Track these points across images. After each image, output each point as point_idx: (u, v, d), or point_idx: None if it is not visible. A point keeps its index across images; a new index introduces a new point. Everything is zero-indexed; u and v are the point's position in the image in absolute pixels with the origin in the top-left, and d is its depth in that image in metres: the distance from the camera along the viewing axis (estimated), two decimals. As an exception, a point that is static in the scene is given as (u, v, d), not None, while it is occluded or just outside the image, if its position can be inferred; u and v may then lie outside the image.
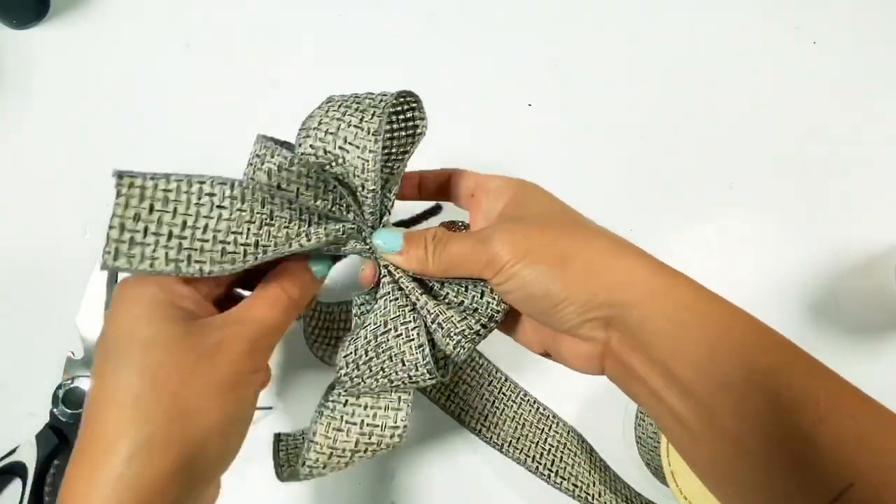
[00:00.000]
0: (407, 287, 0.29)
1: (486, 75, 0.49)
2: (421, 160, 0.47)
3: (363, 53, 0.49)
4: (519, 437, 0.39)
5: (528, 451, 0.38)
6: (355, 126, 0.28)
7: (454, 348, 0.28)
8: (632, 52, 0.51)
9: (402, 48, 0.50)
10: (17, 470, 0.39)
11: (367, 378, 0.29)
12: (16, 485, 0.39)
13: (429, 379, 0.28)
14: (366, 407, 0.30)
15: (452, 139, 0.48)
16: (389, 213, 0.30)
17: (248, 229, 0.27)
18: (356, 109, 0.29)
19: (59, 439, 0.39)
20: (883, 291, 0.46)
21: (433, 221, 0.43)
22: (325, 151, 0.28)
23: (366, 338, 0.29)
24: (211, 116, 0.47)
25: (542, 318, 0.27)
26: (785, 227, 0.47)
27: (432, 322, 0.28)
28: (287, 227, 0.28)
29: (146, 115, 0.47)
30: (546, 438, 0.39)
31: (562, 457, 0.39)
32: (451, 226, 0.34)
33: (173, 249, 0.26)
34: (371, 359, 0.29)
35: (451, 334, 0.28)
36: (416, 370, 0.28)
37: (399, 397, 0.29)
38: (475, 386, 0.40)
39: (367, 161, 0.27)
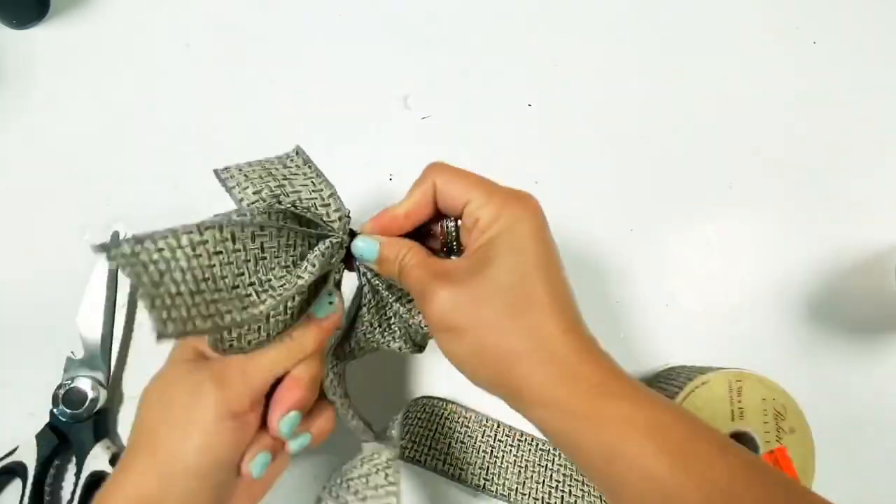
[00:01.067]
0: (382, 294, 0.32)
1: (486, 75, 0.49)
2: (420, 159, 0.47)
3: (363, 53, 0.49)
4: (524, 482, 0.38)
5: (536, 492, 0.38)
6: (285, 167, 0.31)
7: (428, 336, 0.33)
8: (632, 52, 0.51)
9: (402, 48, 0.50)
10: (17, 470, 0.39)
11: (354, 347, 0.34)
12: (16, 485, 0.39)
13: (412, 353, 0.35)
14: None
15: (452, 139, 0.48)
16: (349, 216, 0.31)
17: (248, 268, 0.27)
18: (271, 163, 0.32)
19: (58, 439, 0.39)
20: (883, 291, 0.46)
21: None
22: (270, 191, 0.30)
23: (356, 336, 0.34)
24: (211, 116, 0.47)
25: None
26: (785, 227, 0.47)
27: (404, 323, 0.32)
28: (277, 257, 0.28)
29: (146, 114, 0.47)
30: (551, 475, 0.39)
31: (570, 490, 0.38)
32: (438, 218, 0.31)
33: (202, 306, 0.25)
34: (363, 349, 0.34)
35: (422, 327, 0.32)
36: (401, 352, 0.34)
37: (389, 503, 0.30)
38: (469, 441, 0.40)
39: (313, 179, 0.31)
